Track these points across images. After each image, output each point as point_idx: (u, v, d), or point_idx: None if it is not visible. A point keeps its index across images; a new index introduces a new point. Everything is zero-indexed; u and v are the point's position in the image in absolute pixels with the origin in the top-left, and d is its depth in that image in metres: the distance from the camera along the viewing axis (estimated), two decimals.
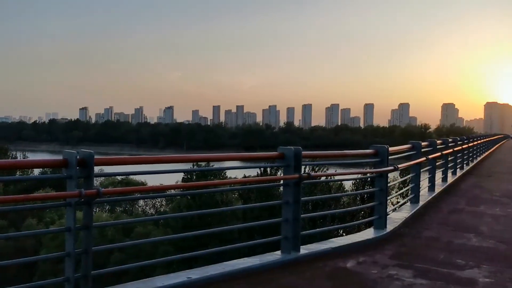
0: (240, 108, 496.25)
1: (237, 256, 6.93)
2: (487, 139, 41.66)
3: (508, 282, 6.47)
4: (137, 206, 62.01)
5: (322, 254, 7.38)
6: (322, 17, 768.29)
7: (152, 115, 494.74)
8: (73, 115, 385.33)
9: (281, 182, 7.42)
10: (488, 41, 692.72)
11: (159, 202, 61.48)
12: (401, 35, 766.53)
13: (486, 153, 37.84)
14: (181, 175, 50.34)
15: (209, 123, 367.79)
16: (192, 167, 38.19)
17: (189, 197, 41.26)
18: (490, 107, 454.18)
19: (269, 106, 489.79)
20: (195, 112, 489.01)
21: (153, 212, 60.01)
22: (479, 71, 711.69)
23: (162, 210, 58.58)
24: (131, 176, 55.84)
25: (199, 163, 43.59)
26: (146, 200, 60.09)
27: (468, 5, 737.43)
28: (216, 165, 32.62)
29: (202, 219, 36.01)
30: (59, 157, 4.87)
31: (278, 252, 7.04)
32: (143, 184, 57.25)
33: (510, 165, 30.75)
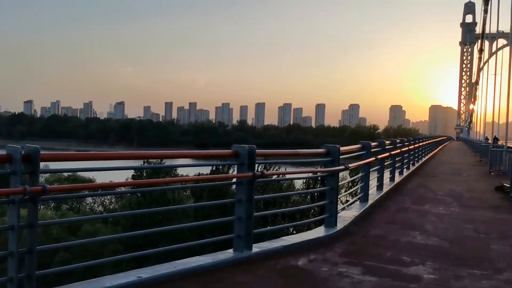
0: (193, 105, 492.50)
1: (188, 255, 6.84)
2: (431, 141, 43.40)
3: (451, 278, 6.74)
4: (84, 204, 60.24)
5: (274, 252, 7.42)
6: (276, 17, 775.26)
7: (102, 110, 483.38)
8: (17, 108, 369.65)
9: (234, 180, 7.40)
10: (433, 45, 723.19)
11: (108, 199, 60.03)
12: (352, 38, 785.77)
13: (431, 154, 39.42)
14: (132, 172, 49.40)
15: (161, 120, 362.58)
16: (143, 164, 37.46)
17: (139, 194, 40.48)
18: (435, 110, 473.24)
19: (222, 104, 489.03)
20: (146, 108, 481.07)
21: (102, 210, 58.50)
22: (425, 75, 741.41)
23: (111, 207, 57.19)
24: (79, 173, 54.19)
25: (150, 160, 42.83)
26: (94, 197, 58.43)
27: (416, 10, 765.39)
28: (168, 162, 32.14)
29: (153, 217, 35.40)
30: (3, 152, 4.65)
31: (230, 251, 7.01)
32: (91, 181, 55.70)
33: (452, 166, 32.14)
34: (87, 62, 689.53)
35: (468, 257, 8.01)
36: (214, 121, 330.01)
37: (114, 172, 6.28)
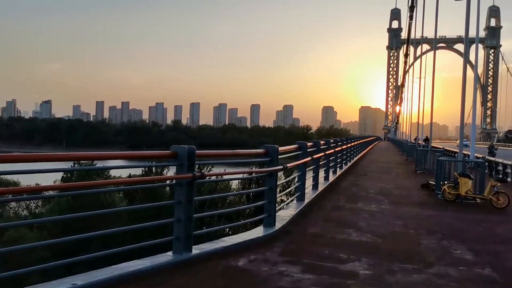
0: (125, 104, 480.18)
1: (125, 259, 6.59)
2: (362, 141, 45.03)
3: (385, 273, 7.00)
4: (7, 208, 56.81)
5: (214, 253, 7.35)
6: (211, 16, 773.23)
7: (27, 109, 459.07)
8: None
9: (172, 181, 7.24)
10: (364, 49, 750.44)
11: (34, 203, 57.04)
12: (286, 39, 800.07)
13: (362, 153, 40.92)
14: (60, 174, 47.19)
15: (91, 119, 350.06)
16: (72, 165, 35.98)
17: (69, 198, 38.81)
18: (364, 111, 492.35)
19: (156, 104, 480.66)
20: (76, 107, 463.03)
21: (27, 214, 55.44)
22: (356, 77, 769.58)
23: (37, 211, 54.37)
24: (2, 176, 51.08)
25: (80, 161, 41.19)
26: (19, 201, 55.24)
27: (348, 14, 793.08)
28: (100, 164, 30.95)
29: (85, 221, 34.04)
30: None
31: (170, 253, 6.85)
32: (15, 184, 52.65)
33: (382, 165, 33.57)
34: (9, 57, 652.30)
35: (400, 253, 8.36)
36: (147, 121, 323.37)
37: (41, 174, 5.92)
